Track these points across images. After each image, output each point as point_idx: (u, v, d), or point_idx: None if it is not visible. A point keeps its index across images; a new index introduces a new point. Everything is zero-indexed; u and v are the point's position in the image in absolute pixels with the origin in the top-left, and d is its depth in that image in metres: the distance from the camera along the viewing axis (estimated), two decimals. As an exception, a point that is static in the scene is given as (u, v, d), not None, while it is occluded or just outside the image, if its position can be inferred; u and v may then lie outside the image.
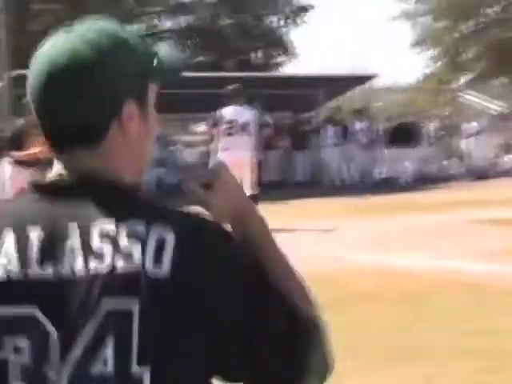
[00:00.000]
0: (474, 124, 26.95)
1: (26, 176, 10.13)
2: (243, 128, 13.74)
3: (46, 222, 1.44)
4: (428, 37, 39.66)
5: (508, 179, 24.14)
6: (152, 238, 1.42)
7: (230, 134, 13.54)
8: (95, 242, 1.42)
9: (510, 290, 8.06)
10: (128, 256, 1.40)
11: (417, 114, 27.73)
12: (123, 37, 1.55)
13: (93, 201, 1.46)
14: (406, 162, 24.21)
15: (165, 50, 1.65)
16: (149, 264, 1.40)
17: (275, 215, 13.92)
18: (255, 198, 13.17)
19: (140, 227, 1.43)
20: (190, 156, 22.88)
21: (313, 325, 1.53)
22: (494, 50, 37.02)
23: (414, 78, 44.77)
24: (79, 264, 1.41)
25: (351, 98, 30.78)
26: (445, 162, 26.48)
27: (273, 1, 35.48)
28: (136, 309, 1.39)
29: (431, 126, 26.00)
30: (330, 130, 23.78)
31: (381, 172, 24.62)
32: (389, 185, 22.53)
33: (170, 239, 1.43)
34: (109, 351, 1.39)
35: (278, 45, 35.54)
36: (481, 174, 24.85)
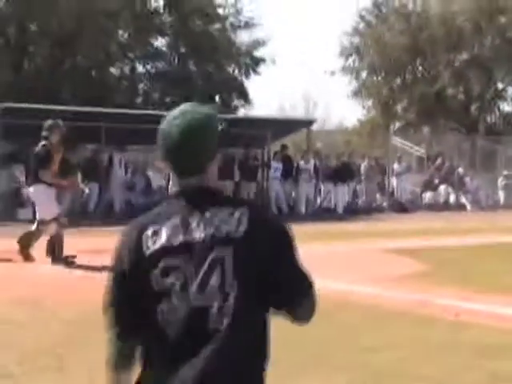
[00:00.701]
0: (402, 164, 27.26)
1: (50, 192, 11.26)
2: None
3: (183, 212, 2.38)
4: (363, 89, 40.28)
5: (427, 213, 24.46)
6: (236, 216, 2.35)
7: None
8: (207, 220, 2.35)
9: (398, 311, 8.12)
10: (224, 226, 2.34)
11: (353, 153, 27.79)
12: (213, 115, 2.49)
13: (203, 199, 2.40)
14: (341, 195, 24.30)
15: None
16: (234, 230, 2.34)
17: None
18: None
19: (229, 210, 2.36)
20: (157, 180, 23.08)
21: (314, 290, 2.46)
22: (419, 103, 37.64)
23: (353, 123, 45.34)
24: (199, 233, 2.35)
25: (296, 138, 30.95)
26: (376, 197, 26.60)
27: (233, 53, 35.71)
28: (229, 255, 2.32)
29: (363, 165, 26.13)
30: (277, 165, 23.86)
31: (321, 203, 24.70)
32: (327, 214, 22.60)
33: (245, 215, 2.35)
34: (215, 277, 2.31)
35: (237, 90, 35.70)
36: (403, 208, 25.10)
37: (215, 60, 34.57)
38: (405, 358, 6.23)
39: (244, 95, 35.89)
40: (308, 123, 27.42)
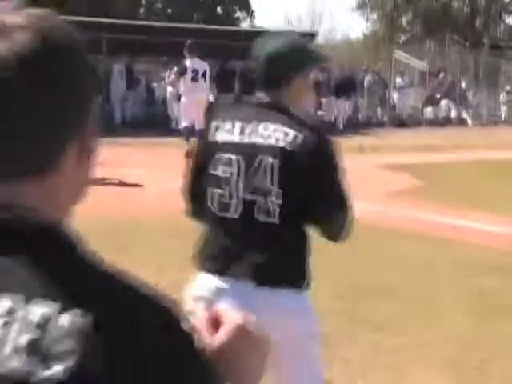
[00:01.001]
0: (405, 78, 26.94)
1: None
2: (204, 76, 14.76)
3: (247, 118, 2.75)
4: (368, 1, 39.62)
5: (428, 128, 24.28)
6: (290, 133, 2.70)
7: (194, 80, 14.56)
8: (261, 130, 2.72)
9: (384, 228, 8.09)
10: (274, 138, 2.70)
11: (355, 67, 27.39)
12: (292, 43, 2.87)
13: (269, 113, 2.78)
14: (342, 109, 24.05)
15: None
16: (283, 143, 2.67)
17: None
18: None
19: (285, 128, 2.70)
20: (160, 90, 22.88)
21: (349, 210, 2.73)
22: (424, 16, 37.03)
23: (358, 36, 44.71)
24: (252, 138, 2.72)
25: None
26: (377, 111, 26.38)
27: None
28: (274, 162, 2.65)
29: (366, 79, 25.81)
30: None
31: (321, 116, 24.45)
32: (327, 129, 22.34)
33: (299, 136, 2.67)
34: (260, 177, 2.66)
35: (240, 2, 35.08)
36: (403, 123, 24.91)
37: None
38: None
39: (247, 7, 35.29)
40: (310, 36, 26.92)
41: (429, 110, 27.28)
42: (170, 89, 20.69)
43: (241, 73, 23.23)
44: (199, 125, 14.64)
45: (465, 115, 27.19)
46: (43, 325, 0.85)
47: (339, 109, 23.95)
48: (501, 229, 8.32)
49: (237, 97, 22.99)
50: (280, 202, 2.66)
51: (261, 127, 2.74)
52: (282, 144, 2.69)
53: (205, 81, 14.88)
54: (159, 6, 34.92)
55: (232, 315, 1.08)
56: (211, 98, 22.65)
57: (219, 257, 2.74)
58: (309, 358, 2.78)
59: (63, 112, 0.95)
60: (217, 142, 2.77)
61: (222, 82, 22.63)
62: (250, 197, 2.70)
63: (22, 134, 0.92)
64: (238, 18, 35.11)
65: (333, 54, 37.07)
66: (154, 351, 0.87)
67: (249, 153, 2.72)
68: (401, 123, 24.94)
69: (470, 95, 28.17)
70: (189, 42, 14.90)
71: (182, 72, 14.75)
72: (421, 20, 38.04)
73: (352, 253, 6.25)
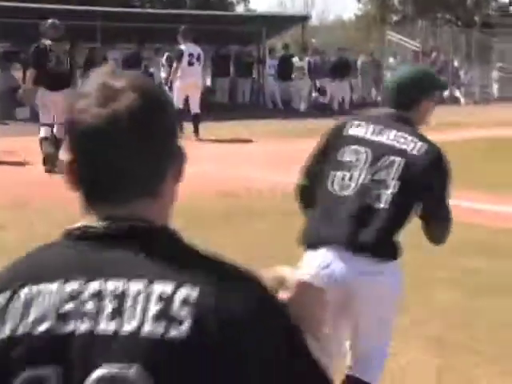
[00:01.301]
0: (398, 58, 26.95)
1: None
2: (198, 59, 15.02)
3: (377, 125, 3.36)
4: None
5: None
6: (417, 143, 3.26)
7: (190, 64, 14.84)
8: (392, 135, 3.31)
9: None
10: (402, 144, 3.26)
11: (347, 49, 27.29)
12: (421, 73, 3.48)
13: (397, 124, 3.40)
14: (336, 92, 23.91)
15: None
16: (409, 149, 3.25)
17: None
18: (198, 117, 14.80)
19: (413, 138, 3.28)
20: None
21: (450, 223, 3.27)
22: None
23: (350, 17, 44.49)
24: (384, 138, 3.32)
25: (296, 35, 30.38)
26: (371, 91, 26.40)
27: None
28: (399, 162, 3.22)
29: (360, 61, 25.80)
30: (272, 62, 23.49)
31: (315, 99, 24.36)
32: (323, 110, 22.17)
33: (423, 147, 3.26)
34: (384, 172, 3.18)
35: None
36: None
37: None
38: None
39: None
40: (303, 19, 26.89)
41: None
42: (163, 74, 20.72)
43: (235, 57, 23.27)
44: (195, 108, 15.00)
45: (457, 94, 27.22)
46: (165, 298, 1.16)
47: (334, 91, 23.81)
48: (493, 207, 8.42)
49: (231, 81, 22.98)
50: (395, 192, 3.11)
51: (390, 132, 3.26)
52: (408, 148, 3.20)
53: (199, 65, 15.16)
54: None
55: (292, 276, 1.41)
56: (208, 82, 22.81)
57: (330, 230, 3.12)
58: (384, 323, 3.26)
59: (161, 153, 1.27)
60: (350, 135, 3.29)
61: (217, 66, 22.69)
62: (369, 185, 3.14)
63: (135, 169, 1.24)
64: (231, 2, 35.00)
65: (326, 36, 37.15)
66: (248, 311, 1.20)
67: (377, 149, 3.21)
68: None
69: (462, 74, 28.16)
70: (182, 27, 15.15)
71: (179, 57, 14.93)
72: (412, 0, 37.96)
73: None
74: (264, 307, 1.24)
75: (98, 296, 1.18)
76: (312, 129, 16.56)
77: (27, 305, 1.20)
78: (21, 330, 1.19)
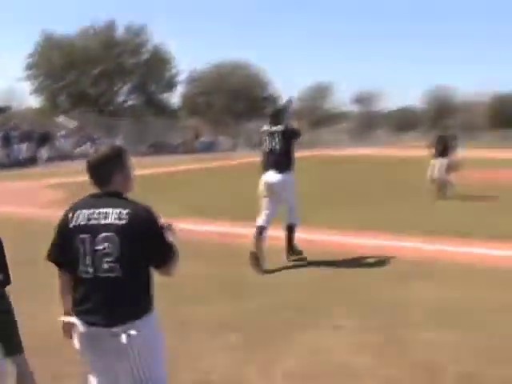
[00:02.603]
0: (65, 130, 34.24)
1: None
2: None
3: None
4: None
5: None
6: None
7: None
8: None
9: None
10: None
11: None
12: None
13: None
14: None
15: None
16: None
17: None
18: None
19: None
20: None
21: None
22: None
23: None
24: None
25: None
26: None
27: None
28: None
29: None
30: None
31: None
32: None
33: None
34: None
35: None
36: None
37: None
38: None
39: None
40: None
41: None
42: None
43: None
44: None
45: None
46: (118, 213, 3.41)
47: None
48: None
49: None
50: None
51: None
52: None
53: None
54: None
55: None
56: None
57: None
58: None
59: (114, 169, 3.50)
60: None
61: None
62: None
63: (107, 175, 3.49)
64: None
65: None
66: (145, 217, 3.44)
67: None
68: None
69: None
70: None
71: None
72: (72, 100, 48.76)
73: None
74: (151, 217, 3.31)
75: (99, 213, 3.24)
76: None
77: (77, 216, 3.37)
78: (77, 223, 3.35)
